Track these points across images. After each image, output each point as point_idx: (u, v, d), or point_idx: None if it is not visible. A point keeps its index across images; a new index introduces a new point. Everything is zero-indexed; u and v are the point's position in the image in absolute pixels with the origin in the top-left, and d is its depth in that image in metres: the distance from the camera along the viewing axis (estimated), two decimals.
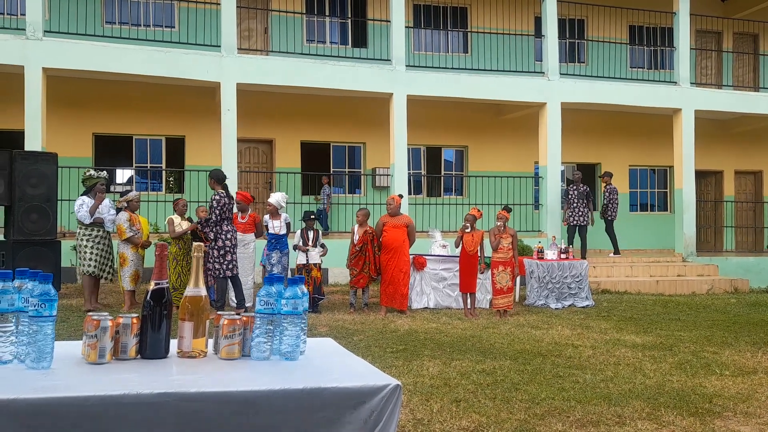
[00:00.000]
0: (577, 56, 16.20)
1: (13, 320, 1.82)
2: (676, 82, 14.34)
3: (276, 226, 8.70)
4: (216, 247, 7.87)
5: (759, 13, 16.39)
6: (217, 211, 7.85)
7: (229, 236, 7.92)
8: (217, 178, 8.12)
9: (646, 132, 15.87)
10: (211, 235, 7.88)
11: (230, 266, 7.93)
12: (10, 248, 8.30)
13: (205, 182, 12.88)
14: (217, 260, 7.87)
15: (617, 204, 13.10)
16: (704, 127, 14.90)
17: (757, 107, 14.80)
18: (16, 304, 1.82)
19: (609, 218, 13.09)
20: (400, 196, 9.20)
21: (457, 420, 4.05)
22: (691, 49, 14.64)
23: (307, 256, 8.57)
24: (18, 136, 11.04)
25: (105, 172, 8.71)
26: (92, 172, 8.42)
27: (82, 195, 8.35)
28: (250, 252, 8.82)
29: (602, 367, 5.71)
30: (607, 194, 13.12)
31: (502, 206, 9.22)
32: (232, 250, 7.95)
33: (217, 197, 7.93)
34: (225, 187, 8.06)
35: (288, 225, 8.87)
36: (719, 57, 17.06)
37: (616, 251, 13.29)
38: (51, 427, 1.52)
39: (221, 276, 7.89)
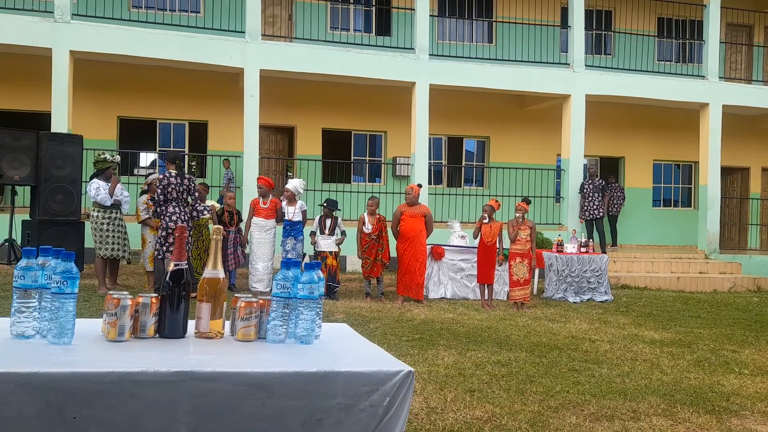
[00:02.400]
0: (604, 48, 15.98)
1: (36, 296, 1.86)
2: (704, 76, 14.09)
3: (291, 212, 8.74)
4: (161, 227, 7.69)
5: None
6: (159, 191, 7.61)
7: (174, 218, 7.57)
8: (169, 157, 7.91)
9: (672, 126, 15.63)
10: (172, 217, 7.65)
11: (171, 249, 7.61)
12: (36, 227, 8.45)
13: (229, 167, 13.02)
14: (158, 241, 7.68)
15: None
16: (732, 122, 14.63)
17: None
18: (39, 281, 1.86)
19: (615, 213, 14.22)
20: (420, 185, 9.18)
21: (470, 410, 4.06)
22: (720, 42, 14.36)
23: (318, 244, 8.60)
24: (45, 118, 11.21)
25: (118, 156, 8.77)
26: (107, 155, 8.48)
27: (92, 177, 8.41)
28: (270, 237, 8.88)
29: (619, 362, 5.68)
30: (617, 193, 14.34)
31: (522, 198, 9.17)
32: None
33: (161, 177, 7.78)
34: (178, 168, 7.76)
35: (303, 213, 8.90)
36: (749, 51, 16.70)
37: (615, 244, 14.12)
38: (70, 401, 1.56)
39: (159, 257, 7.63)
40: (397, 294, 8.73)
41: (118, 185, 8.36)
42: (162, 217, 7.62)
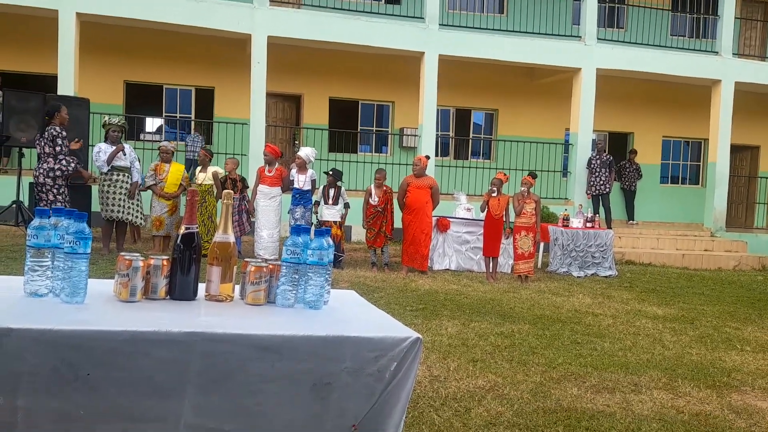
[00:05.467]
0: (617, 21, 15.74)
1: (49, 256, 1.88)
2: (717, 52, 13.90)
3: (301, 181, 8.74)
4: None
5: None
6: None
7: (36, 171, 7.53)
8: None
9: (683, 102, 15.47)
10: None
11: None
12: None
13: (234, 134, 12.99)
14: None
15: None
16: (744, 99, 14.46)
17: None
18: (52, 241, 1.87)
19: (633, 188, 14.43)
20: (427, 157, 9.14)
21: (473, 379, 4.11)
22: (735, 18, 14.13)
23: (321, 213, 8.63)
24: (51, 81, 11.16)
25: (121, 119, 8.73)
26: (107, 118, 8.52)
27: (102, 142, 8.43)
28: (275, 205, 8.90)
29: (621, 336, 5.72)
30: (635, 168, 14.41)
31: (528, 172, 9.14)
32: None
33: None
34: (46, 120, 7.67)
35: (313, 182, 8.91)
36: (765, 27, 16.43)
37: (632, 218, 14.41)
38: (83, 359, 1.58)
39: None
40: (401, 264, 8.77)
41: (128, 150, 8.36)
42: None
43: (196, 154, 11.45)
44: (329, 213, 8.68)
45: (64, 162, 7.46)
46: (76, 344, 1.58)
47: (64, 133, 7.59)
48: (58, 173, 7.55)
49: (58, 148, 7.42)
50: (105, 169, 8.18)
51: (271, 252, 8.57)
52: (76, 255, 1.82)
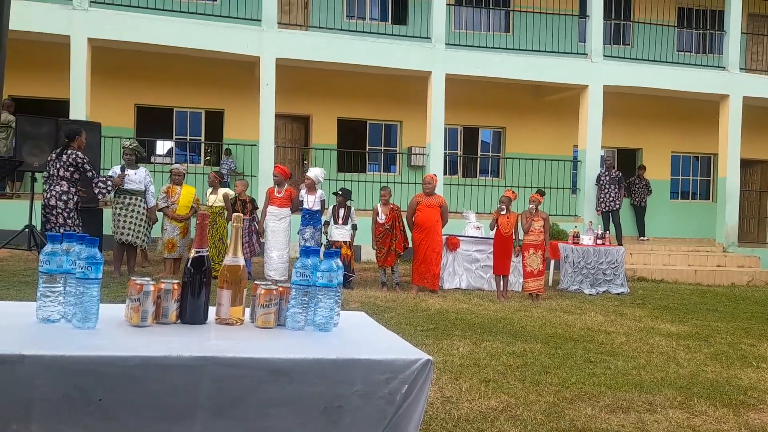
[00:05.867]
0: (623, 38, 15.79)
1: (61, 281, 1.89)
2: (724, 67, 13.90)
3: (310, 201, 8.77)
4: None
5: None
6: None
7: (46, 195, 7.26)
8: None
9: (691, 118, 15.44)
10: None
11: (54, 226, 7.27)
12: None
13: (243, 156, 13.08)
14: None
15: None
16: (752, 114, 14.42)
17: None
18: (64, 266, 1.89)
19: (642, 204, 14.42)
20: (435, 175, 9.17)
21: (485, 400, 4.07)
22: (742, 33, 14.14)
23: (331, 233, 8.63)
24: (63, 106, 11.31)
25: (133, 142, 8.82)
26: (125, 143, 8.65)
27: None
28: (285, 226, 8.92)
29: (635, 354, 5.65)
30: (644, 183, 14.42)
31: (536, 189, 9.13)
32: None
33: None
34: (66, 143, 7.39)
35: (323, 202, 8.93)
36: None
37: (643, 234, 14.33)
38: (94, 384, 1.59)
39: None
40: (412, 284, 8.74)
41: (141, 172, 8.46)
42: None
43: (228, 177, 11.59)
44: (339, 233, 8.68)
45: (101, 184, 7.43)
46: (88, 370, 1.59)
47: (87, 159, 7.48)
48: (99, 196, 7.70)
49: (89, 174, 7.31)
50: (108, 197, 8.24)
51: (281, 273, 8.57)
52: (87, 280, 1.83)
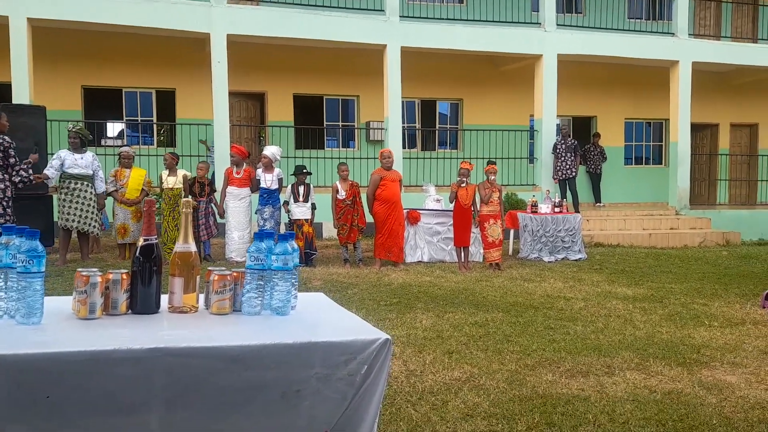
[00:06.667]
0: (575, 6, 15.88)
1: (2, 276, 1.81)
2: (674, 34, 14.13)
3: (268, 180, 8.67)
4: None
5: None
6: None
7: None
8: None
9: (643, 84, 15.70)
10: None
11: None
12: None
13: (197, 135, 12.79)
14: None
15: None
16: (701, 79, 14.74)
17: (755, 59, 14.63)
18: (4, 261, 1.81)
19: (598, 171, 14.60)
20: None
21: (449, 371, 4.12)
22: None
23: (292, 212, 8.57)
24: (5, 89, 10.85)
25: (76, 125, 8.49)
26: (70, 125, 8.34)
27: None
28: (245, 206, 8.81)
29: (593, 318, 5.79)
30: (599, 151, 14.59)
31: (487, 161, 9.21)
32: None
33: None
34: None
35: (280, 180, 8.85)
36: (718, 8, 16.72)
37: (599, 201, 14.64)
38: (41, 383, 1.53)
39: None
40: (375, 258, 8.76)
41: (88, 156, 8.17)
42: None
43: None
44: (300, 211, 8.61)
45: (23, 172, 7.11)
46: (33, 368, 1.53)
47: (14, 143, 7.11)
48: (20, 185, 7.14)
49: (12, 160, 6.96)
50: (52, 183, 7.96)
51: (242, 254, 8.48)
52: (29, 274, 1.75)
